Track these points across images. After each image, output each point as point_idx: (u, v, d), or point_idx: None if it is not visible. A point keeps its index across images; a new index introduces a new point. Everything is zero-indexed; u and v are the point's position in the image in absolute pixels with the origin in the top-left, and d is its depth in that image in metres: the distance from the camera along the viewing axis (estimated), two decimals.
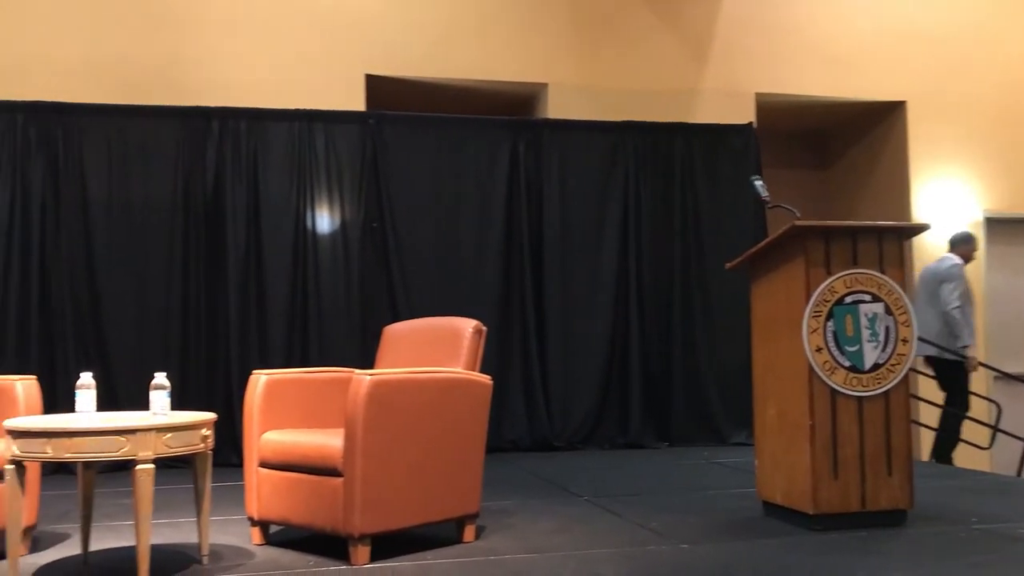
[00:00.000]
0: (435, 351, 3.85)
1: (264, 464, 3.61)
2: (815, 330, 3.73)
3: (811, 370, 3.71)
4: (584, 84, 7.41)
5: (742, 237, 6.74)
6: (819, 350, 3.72)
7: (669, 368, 6.86)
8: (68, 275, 6.02)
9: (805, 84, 7.85)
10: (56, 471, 5.42)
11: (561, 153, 6.87)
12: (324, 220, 6.48)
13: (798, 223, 3.75)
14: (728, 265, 4.41)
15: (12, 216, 5.98)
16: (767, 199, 4.40)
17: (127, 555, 3.31)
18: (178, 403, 3.88)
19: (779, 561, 3.30)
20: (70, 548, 3.63)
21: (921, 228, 4.15)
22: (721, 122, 7.25)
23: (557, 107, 7.30)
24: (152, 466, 3.01)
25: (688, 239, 7.00)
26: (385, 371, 3.47)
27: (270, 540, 3.69)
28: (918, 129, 8.03)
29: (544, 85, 7.41)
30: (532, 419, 6.60)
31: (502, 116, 7.12)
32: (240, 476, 3.76)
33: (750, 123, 7.30)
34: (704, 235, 7.02)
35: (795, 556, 3.36)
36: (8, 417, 3.30)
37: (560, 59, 7.40)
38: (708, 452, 6.38)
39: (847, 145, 8.96)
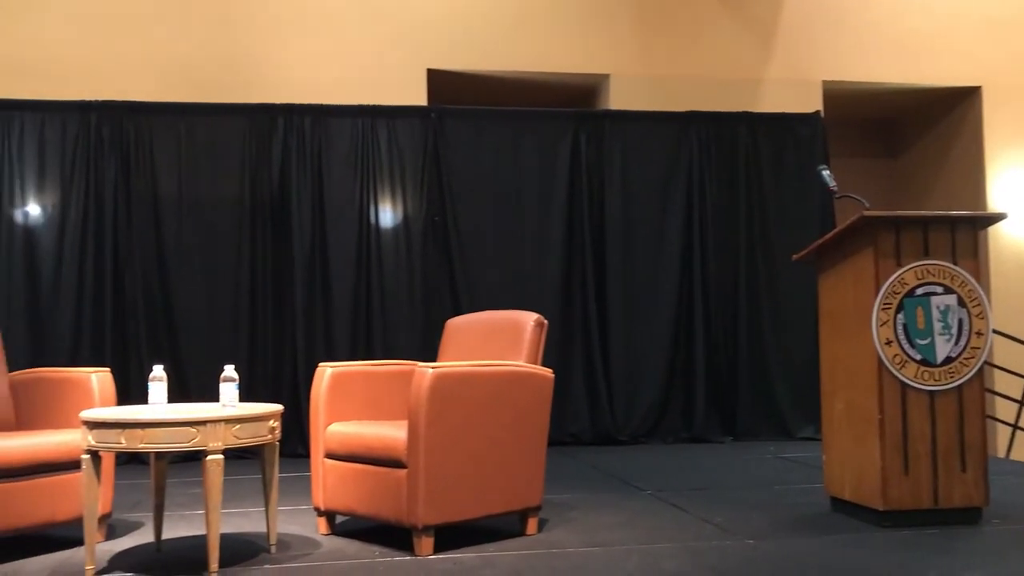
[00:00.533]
0: (497, 344, 3.86)
1: (330, 455, 3.66)
2: (885, 323, 3.64)
3: (881, 363, 3.63)
4: (646, 74, 7.34)
5: (809, 228, 6.61)
6: (889, 343, 3.63)
7: (734, 361, 6.77)
8: (140, 270, 6.18)
9: (874, 71, 7.66)
10: (129, 461, 5.57)
11: (623, 144, 6.81)
12: (387, 214, 6.54)
13: (867, 213, 3.67)
14: (795, 257, 4.33)
15: (87, 213, 6.16)
16: (835, 189, 4.32)
17: (198, 543, 3.39)
18: (246, 395, 3.95)
19: (847, 558, 3.24)
20: (143, 536, 3.73)
21: (997, 218, 4.04)
22: (787, 111, 7.12)
23: (619, 98, 7.25)
24: (222, 456, 3.08)
25: (753, 230, 6.89)
26: (447, 364, 3.49)
27: (336, 530, 3.75)
28: (994, 116, 7.77)
29: (606, 76, 7.36)
30: (594, 412, 6.58)
31: (563, 108, 7.10)
32: (306, 467, 3.82)
33: (817, 112, 7.15)
34: (770, 226, 6.90)
35: (864, 553, 3.29)
36: (84, 408, 3.40)
37: (622, 49, 7.34)
38: (774, 447, 6.28)
39: (918, 133, 8.72)
